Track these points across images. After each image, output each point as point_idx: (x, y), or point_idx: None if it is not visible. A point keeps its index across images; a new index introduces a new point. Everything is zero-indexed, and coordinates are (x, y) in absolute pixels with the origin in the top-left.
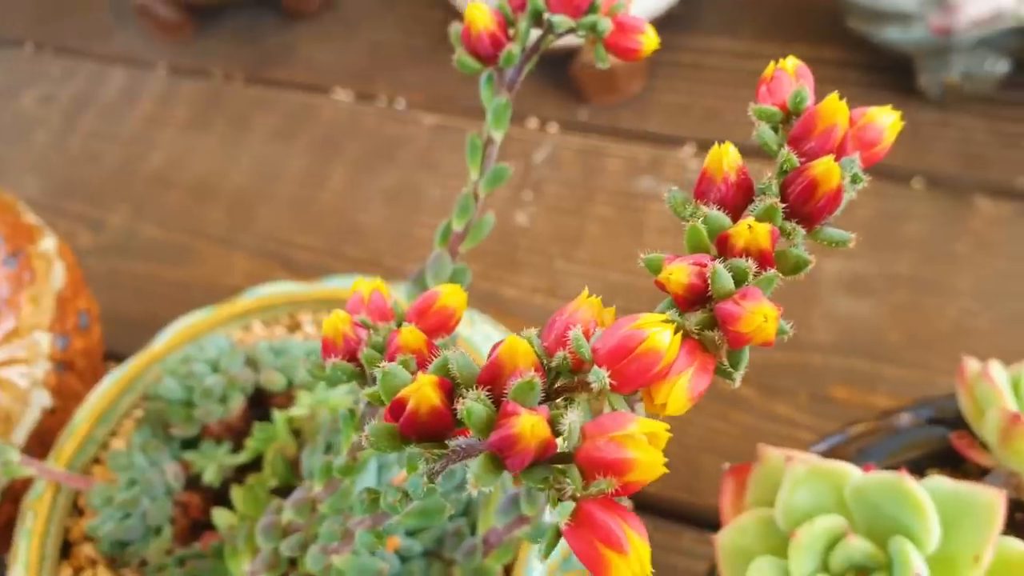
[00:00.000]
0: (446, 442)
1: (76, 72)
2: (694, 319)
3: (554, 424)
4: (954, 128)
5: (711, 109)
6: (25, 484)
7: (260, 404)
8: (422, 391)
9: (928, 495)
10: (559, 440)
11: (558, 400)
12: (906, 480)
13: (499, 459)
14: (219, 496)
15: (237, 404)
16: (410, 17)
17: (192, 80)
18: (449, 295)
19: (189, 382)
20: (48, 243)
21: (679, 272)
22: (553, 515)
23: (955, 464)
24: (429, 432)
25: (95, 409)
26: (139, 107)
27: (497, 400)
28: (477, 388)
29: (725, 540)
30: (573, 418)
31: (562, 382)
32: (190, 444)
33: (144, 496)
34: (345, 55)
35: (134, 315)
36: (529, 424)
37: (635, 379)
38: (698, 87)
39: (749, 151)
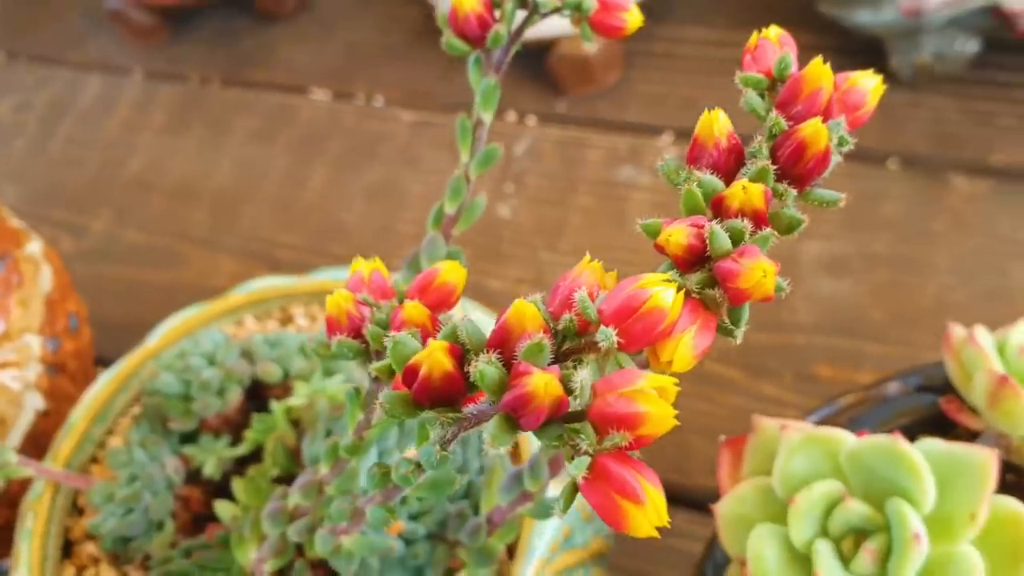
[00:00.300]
0: (458, 408)
1: (51, 80)
2: (694, 279)
3: (565, 383)
4: (927, 108)
5: (687, 98)
6: (22, 487)
7: (257, 396)
8: (434, 356)
9: (922, 457)
10: (571, 399)
11: (567, 362)
12: (900, 443)
13: (514, 419)
14: (220, 489)
15: (235, 396)
16: (386, 15)
17: (169, 84)
18: (449, 271)
19: (186, 376)
20: (34, 247)
21: (678, 234)
22: (562, 482)
23: (945, 430)
24: (442, 397)
25: (91, 408)
26: (116, 113)
27: (507, 364)
28: (487, 352)
29: (725, 509)
30: (584, 376)
31: (569, 344)
32: (189, 439)
33: (146, 491)
34: (322, 55)
35: (120, 319)
36: (542, 382)
37: (641, 337)
38: (673, 76)
39: None
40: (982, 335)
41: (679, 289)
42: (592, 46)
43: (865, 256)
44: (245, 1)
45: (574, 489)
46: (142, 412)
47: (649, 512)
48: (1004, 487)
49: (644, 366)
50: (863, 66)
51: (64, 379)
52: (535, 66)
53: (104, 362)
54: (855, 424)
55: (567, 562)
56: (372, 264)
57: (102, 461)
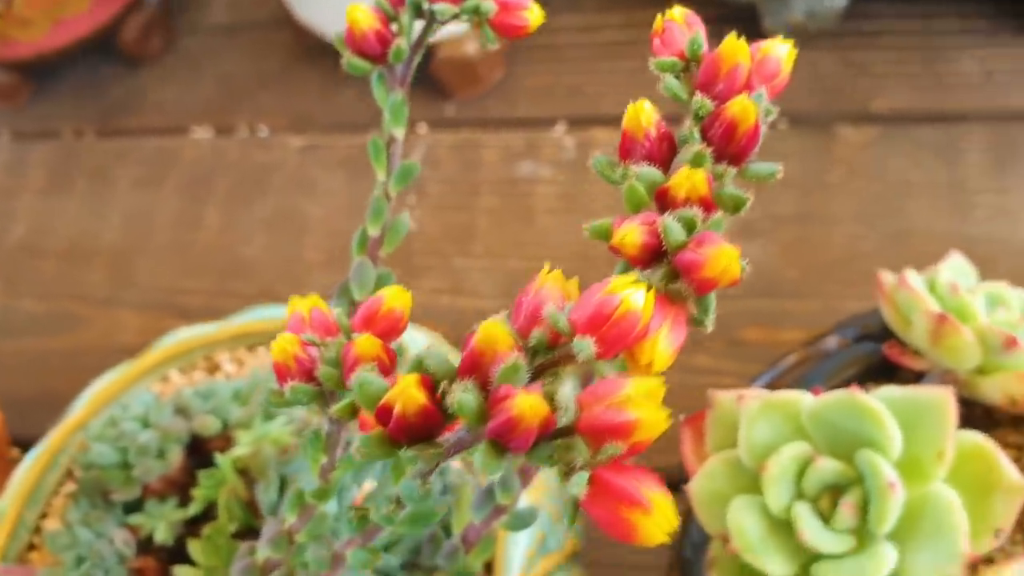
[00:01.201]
0: (437, 440)
1: None
2: (657, 275)
3: (549, 400)
4: (805, 65)
5: (573, 86)
6: None
7: (197, 451)
8: (407, 392)
9: (883, 405)
10: (556, 416)
11: (542, 378)
12: (859, 395)
13: (501, 444)
14: (174, 555)
15: (176, 456)
16: (254, 44)
17: (40, 143)
18: (393, 297)
19: (121, 443)
20: None
21: (632, 233)
22: (532, 491)
23: (889, 375)
24: (420, 432)
25: (20, 491)
26: None
27: (483, 388)
28: (459, 380)
29: (697, 488)
30: (567, 391)
31: (542, 359)
32: (133, 507)
33: (97, 571)
34: (196, 92)
35: (28, 394)
36: (527, 404)
37: (616, 343)
38: (557, 66)
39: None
40: (913, 278)
41: (648, 288)
42: (473, 46)
43: (771, 217)
44: (108, 48)
45: (575, 507)
46: (79, 487)
47: (658, 519)
48: (961, 421)
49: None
50: (739, 34)
51: None
52: (419, 73)
53: (19, 442)
54: (803, 383)
55: (545, 568)
56: (310, 301)
57: (40, 547)
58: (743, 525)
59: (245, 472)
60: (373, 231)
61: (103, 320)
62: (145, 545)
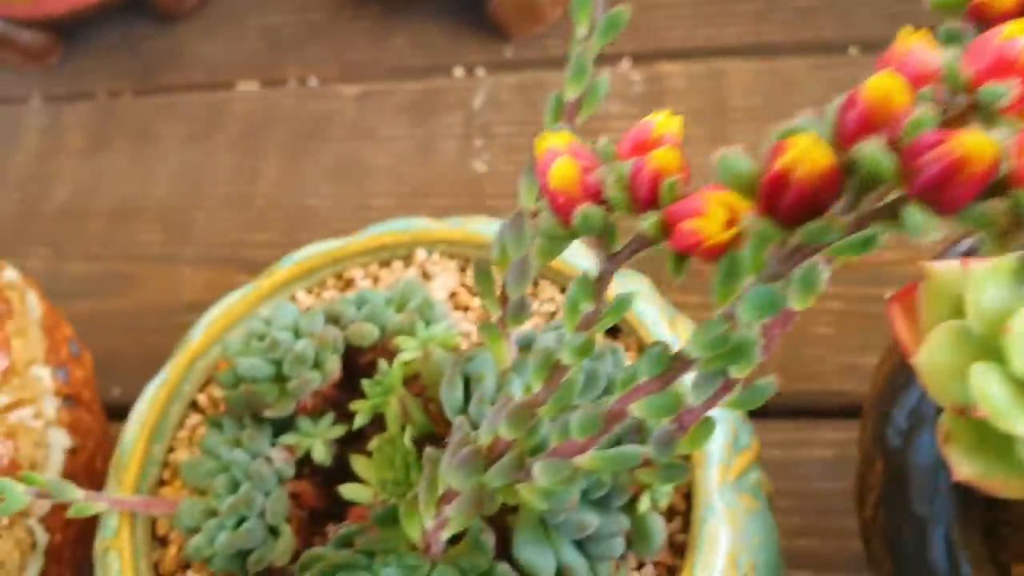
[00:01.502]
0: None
1: None
2: None
3: None
4: None
5: (635, 20)
6: (66, 535)
7: (347, 366)
8: (811, 152)
9: None
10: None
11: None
12: None
13: (930, 202)
14: (327, 478)
15: (334, 367)
16: None
17: (74, 105)
18: (662, 122)
19: (273, 355)
20: (10, 273)
21: None
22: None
23: None
24: (810, 209)
25: (145, 423)
26: (23, 145)
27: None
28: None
29: (926, 361)
30: (1004, 135)
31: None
32: (281, 430)
33: (257, 493)
34: (239, 47)
35: (92, 358)
36: (976, 144)
37: None
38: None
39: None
40: None
41: None
42: None
43: None
44: (141, 5)
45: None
46: (227, 406)
47: None
48: None
49: None
50: None
51: (82, 410)
52: (472, 15)
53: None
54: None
55: (741, 465)
56: (563, 136)
57: (171, 482)
58: (988, 391)
59: (411, 381)
60: (572, 93)
61: (161, 279)
62: (296, 469)
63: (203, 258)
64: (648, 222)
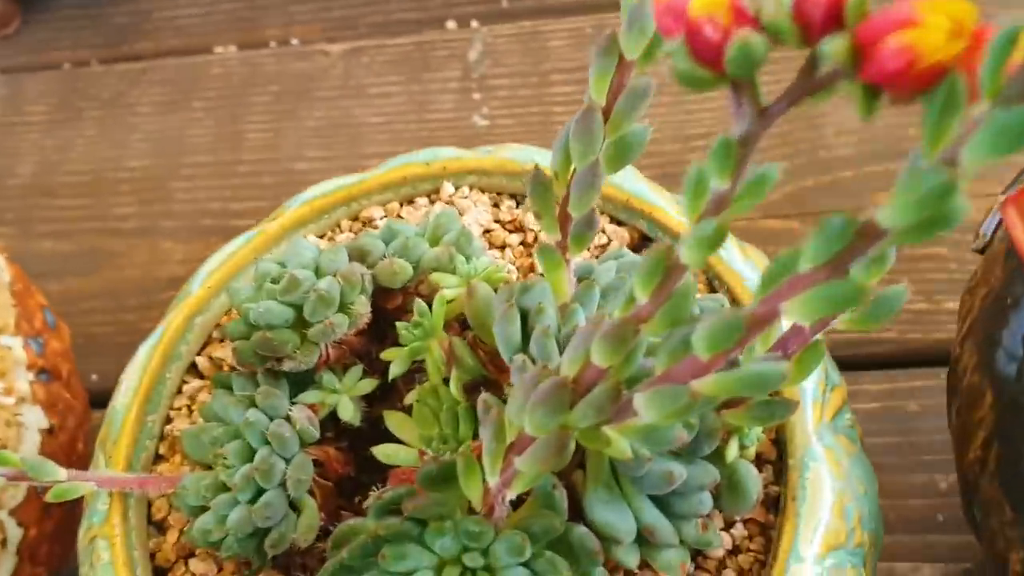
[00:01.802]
0: None
1: None
2: None
3: None
4: None
5: None
6: (43, 528)
7: (372, 313)
8: None
9: None
10: None
11: None
12: None
13: None
14: (353, 442)
15: (363, 309)
16: None
17: (36, 75)
18: None
19: (292, 296)
20: None
21: None
22: None
23: None
24: None
25: (139, 388)
26: None
27: None
28: None
29: None
30: None
31: None
32: (298, 388)
33: (277, 460)
34: (213, 8)
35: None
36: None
37: None
38: None
39: None
40: None
41: None
42: None
43: None
44: None
45: None
46: (236, 359)
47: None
48: None
49: None
50: None
51: (59, 386)
52: None
53: None
54: None
55: (835, 403)
56: None
57: (169, 458)
58: None
59: (447, 325)
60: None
61: (140, 253)
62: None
63: (184, 229)
64: (833, 46)
